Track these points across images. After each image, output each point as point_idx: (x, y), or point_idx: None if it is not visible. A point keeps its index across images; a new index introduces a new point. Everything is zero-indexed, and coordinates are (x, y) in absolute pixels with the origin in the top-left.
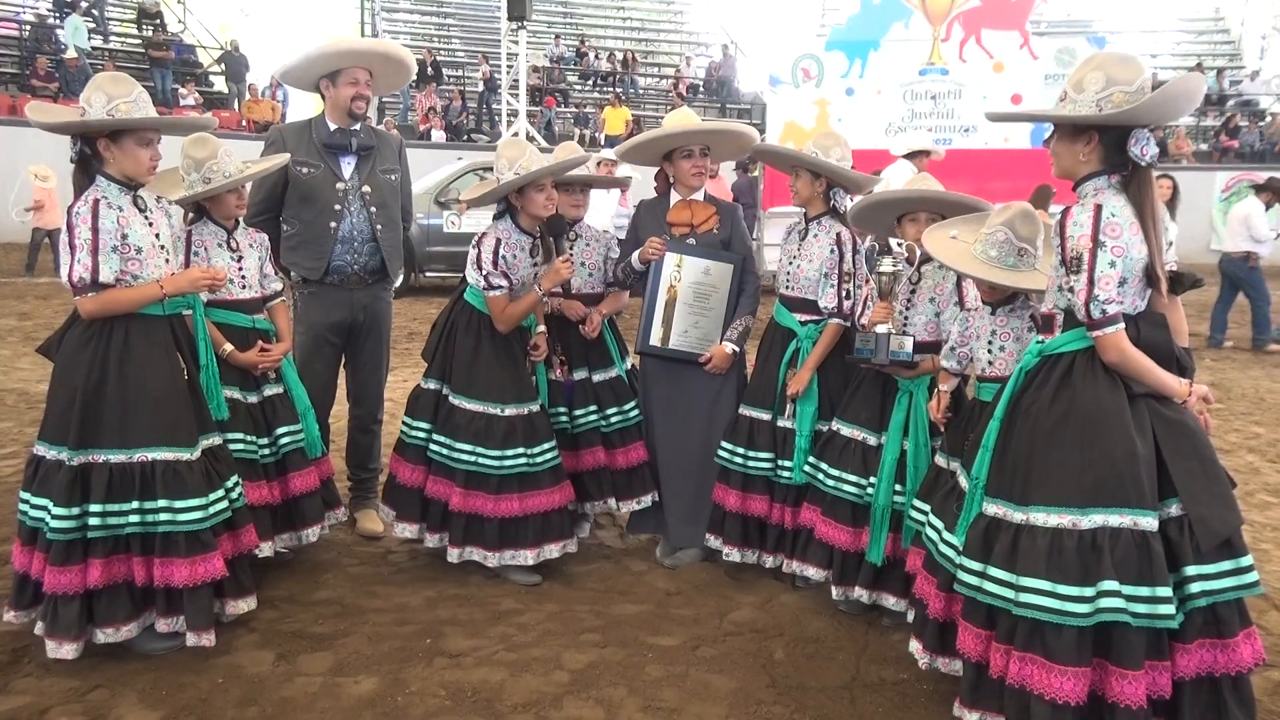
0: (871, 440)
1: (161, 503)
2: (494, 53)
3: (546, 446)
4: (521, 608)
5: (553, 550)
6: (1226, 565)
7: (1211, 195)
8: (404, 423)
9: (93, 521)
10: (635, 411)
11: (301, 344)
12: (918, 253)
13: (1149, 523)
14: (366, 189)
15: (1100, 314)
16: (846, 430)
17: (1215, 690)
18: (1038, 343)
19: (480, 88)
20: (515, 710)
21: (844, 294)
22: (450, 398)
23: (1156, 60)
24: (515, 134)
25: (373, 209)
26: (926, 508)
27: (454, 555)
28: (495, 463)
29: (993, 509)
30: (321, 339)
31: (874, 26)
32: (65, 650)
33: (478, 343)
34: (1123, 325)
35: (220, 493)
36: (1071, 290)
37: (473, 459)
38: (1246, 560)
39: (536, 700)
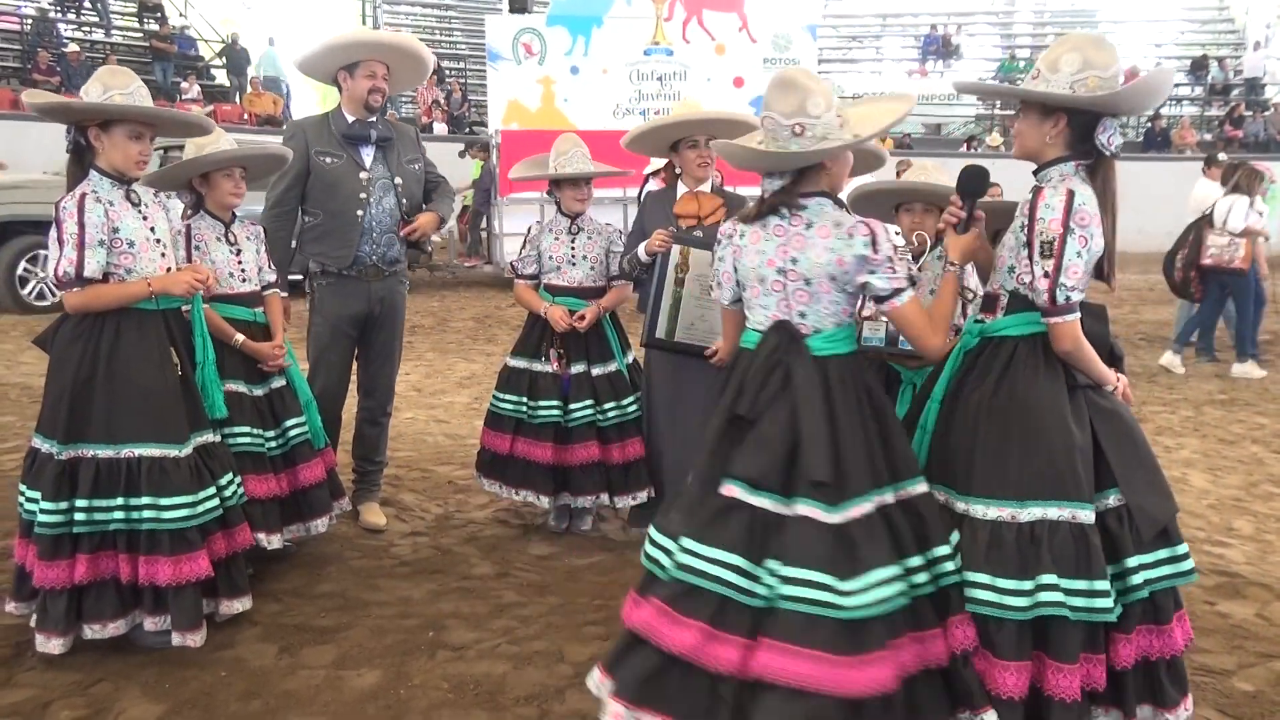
0: None
1: (146, 499)
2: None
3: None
4: (524, 600)
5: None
6: (1163, 554)
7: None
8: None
9: (78, 516)
10: (634, 407)
11: (318, 335)
12: (927, 243)
13: (1087, 515)
14: (398, 180)
15: (1065, 300)
16: None
17: (1150, 671)
18: (976, 321)
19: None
20: (518, 703)
21: None
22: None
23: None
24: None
25: (404, 200)
26: None
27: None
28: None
29: (939, 495)
30: (339, 331)
31: (597, 2)
32: (53, 645)
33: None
34: (1079, 315)
35: (211, 490)
36: (1033, 274)
37: None
38: (1182, 548)
39: (539, 693)
